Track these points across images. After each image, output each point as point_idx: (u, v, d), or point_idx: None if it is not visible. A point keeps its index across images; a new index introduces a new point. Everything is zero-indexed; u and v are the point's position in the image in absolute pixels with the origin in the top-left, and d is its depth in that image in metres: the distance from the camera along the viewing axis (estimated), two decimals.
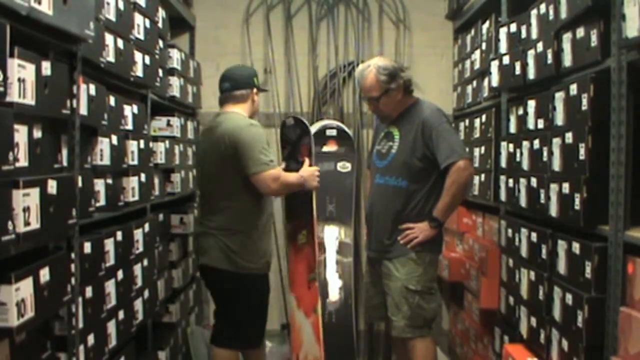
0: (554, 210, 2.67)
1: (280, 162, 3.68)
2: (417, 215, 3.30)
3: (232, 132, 3.25)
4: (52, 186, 2.06)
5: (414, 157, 3.28)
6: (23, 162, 1.94)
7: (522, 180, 3.09)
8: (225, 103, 3.44)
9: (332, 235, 4.50)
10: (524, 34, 3.16)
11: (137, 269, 3.17)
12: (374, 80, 3.31)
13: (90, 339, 2.57)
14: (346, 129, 4.69)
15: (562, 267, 2.61)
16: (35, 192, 1.94)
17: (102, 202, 2.76)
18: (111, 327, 2.80)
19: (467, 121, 4.25)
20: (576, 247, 2.49)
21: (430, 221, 3.27)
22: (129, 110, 3.14)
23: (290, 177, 3.38)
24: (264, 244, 3.42)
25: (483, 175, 3.82)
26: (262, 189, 3.25)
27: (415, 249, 3.27)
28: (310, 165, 3.52)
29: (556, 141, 2.66)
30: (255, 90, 3.45)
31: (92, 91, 2.57)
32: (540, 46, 2.90)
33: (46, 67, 2.05)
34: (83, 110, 2.45)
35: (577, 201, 2.44)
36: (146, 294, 3.31)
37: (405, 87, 3.36)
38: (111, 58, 2.78)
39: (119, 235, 2.89)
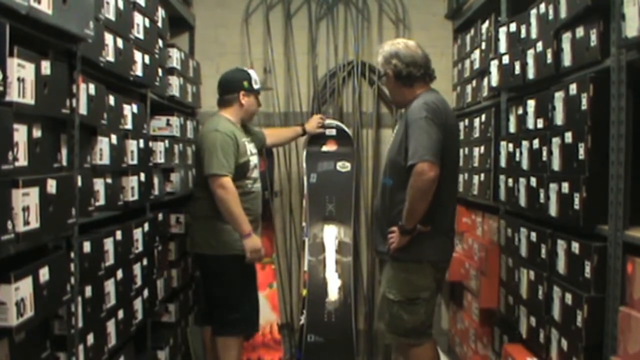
0: (553, 210, 2.67)
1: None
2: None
3: (202, 135, 3.64)
4: (51, 185, 2.06)
5: (399, 155, 3.04)
6: (22, 161, 1.94)
7: (522, 180, 3.08)
8: (218, 106, 3.80)
9: (331, 235, 4.51)
10: (523, 34, 3.16)
11: (137, 269, 3.18)
12: (378, 61, 3.24)
13: (90, 339, 2.57)
14: (345, 128, 4.71)
15: (561, 266, 2.61)
16: (34, 192, 1.94)
17: (101, 201, 2.76)
18: (110, 326, 2.81)
19: (466, 121, 4.24)
20: (575, 246, 2.49)
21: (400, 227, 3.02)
22: (129, 110, 3.13)
23: (237, 207, 3.49)
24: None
25: (482, 175, 3.81)
26: (211, 190, 3.52)
27: (394, 255, 3.08)
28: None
29: (556, 141, 2.66)
30: (243, 92, 3.71)
31: (92, 90, 2.57)
32: (539, 46, 2.89)
33: (46, 67, 2.04)
34: (82, 109, 2.45)
35: (576, 201, 2.44)
36: (145, 293, 3.31)
37: (397, 75, 3.13)
38: (111, 57, 2.78)
39: (119, 234, 2.89)
